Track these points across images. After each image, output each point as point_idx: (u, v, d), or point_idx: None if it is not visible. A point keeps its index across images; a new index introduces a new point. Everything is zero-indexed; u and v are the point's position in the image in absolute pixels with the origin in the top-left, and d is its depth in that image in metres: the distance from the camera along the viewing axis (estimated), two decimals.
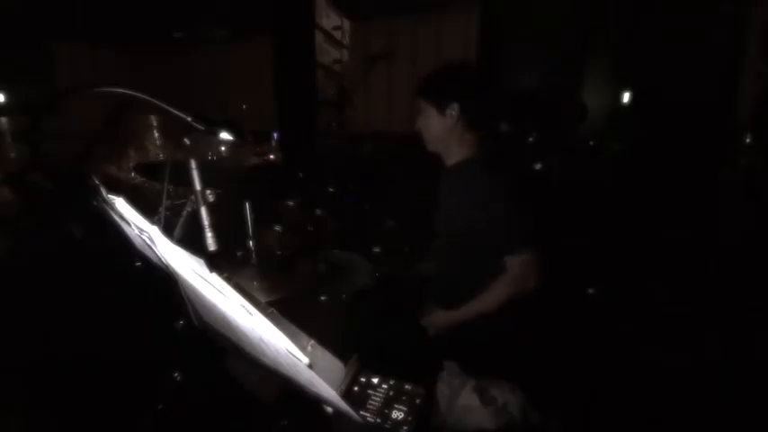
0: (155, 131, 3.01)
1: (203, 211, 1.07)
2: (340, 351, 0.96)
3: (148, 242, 0.72)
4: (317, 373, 0.72)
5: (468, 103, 1.37)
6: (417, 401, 0.92)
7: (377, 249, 2.16)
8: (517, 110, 3.05)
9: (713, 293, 2.24)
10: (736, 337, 1.92)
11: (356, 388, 0.95)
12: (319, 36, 3.47)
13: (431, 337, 1.41)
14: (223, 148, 3.16)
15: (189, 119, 1.03)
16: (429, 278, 1.70)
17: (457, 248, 1.45)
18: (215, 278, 0.91)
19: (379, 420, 0.87)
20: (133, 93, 0.99)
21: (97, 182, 0.91)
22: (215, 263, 0.98)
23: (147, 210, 1.11)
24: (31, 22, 4.10)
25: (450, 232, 1.49)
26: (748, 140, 2.66)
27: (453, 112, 1.37)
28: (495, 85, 3.35)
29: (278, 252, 2.07)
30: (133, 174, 2.77)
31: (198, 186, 1.07)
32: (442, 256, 1.55)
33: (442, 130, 1.41)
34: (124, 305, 1.79)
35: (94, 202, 0.89)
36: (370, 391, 0.94)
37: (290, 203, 2.51)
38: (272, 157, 3.99)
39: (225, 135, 1.08)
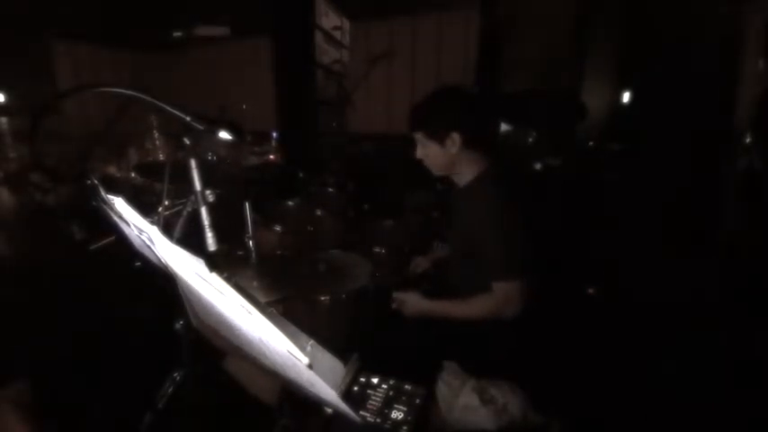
0: (155, 131, 3.01)
1: (203, 211, 1.07)
2: (340, 351, 0.96)
3: (148, 242, 0.72)
4: (316, 374, 0.72)
5: (467, 127, 1.35)
6: (417, 401, 0.92)
7: (377, 249, 2.16)
8: (517, 110, 3.05)
9: (713, 294, 2.23)
10: (738, 337, 1.92)
11: (356, 388, 0.95)
12: (319, 36, 3.47)
13: (393, 311, 1.43)
14: (222, 149, 3.17)
15: (188, 119, 1.03)
16: (427, 277, 1.70)
17: (463, 262, 1.46)
18: (215, 278, 0.91)
19: (378, 420, 0.87)
20: (133, 93, 0.99)
21: (96, 182, 0.91)
22: (215, 263, 0.98)
23: (147, 210, 1.12)
24: (31, 22, 4.10)
25: (458, 246, 1.52)
26: (748, 140, 2.66)
27: (454, 141, 1.35)
28: (495, 85, 3.35)
29: (278, 252, 2.07)
30: (133, 174, 2.77)
31: (198, 186, 1.07)
32: (451, 266, 1.59)
33: (445, 160, 1.39)
34: (124, 305, 1.79)
35: (94, 203, 0.89)
36: (370, 391, 0.94)
37: (290, 203, 2.51)
38: (272, 157, 4.00)
39: (224, 135, 1.08)
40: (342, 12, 3.91)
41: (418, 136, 1.41)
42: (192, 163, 1.06)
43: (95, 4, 4.02)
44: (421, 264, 1.78)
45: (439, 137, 1.36)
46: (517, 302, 1.28)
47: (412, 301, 1.42)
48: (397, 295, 1.45)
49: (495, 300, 1.30)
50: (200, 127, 1.04)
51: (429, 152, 1.40)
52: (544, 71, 3.19)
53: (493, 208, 1.32)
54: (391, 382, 0.97)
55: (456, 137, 1.34)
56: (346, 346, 0.99)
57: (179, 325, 1.03)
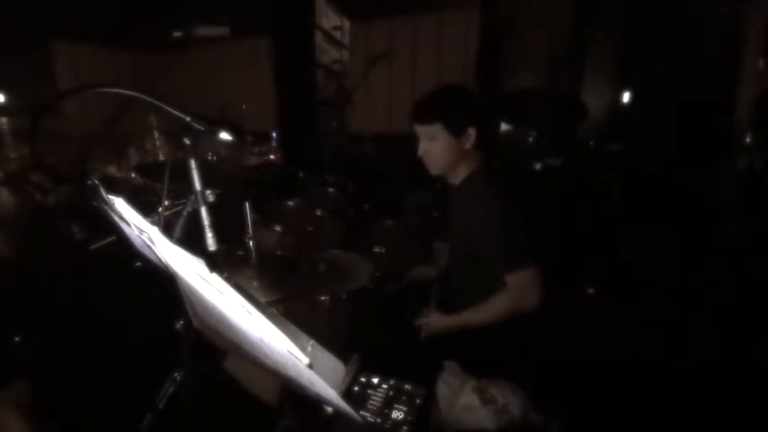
0: (155, 131, 3.01)
1: (203, 211, 1.07)
2: (340, 351, 0.96)
3: (148, 242, 0.72)
4: (317, 373, 0.72)
5: (480, 125, 1.35)
6: (417, 401, 0.92)
7: (377, 249, 2.16)
8: (517, 110, 3.05)
9: (713, 294, 2.23)
10: (738, 338, 1.92)
11: (356, 388, 0.95)
12: (319, 36, 3.47)
13: (423, 339, 1.40)
14: (223, 149, 3.17)
15: (188, 119, 1.03)
16: (428, 280, 1.70)
17: (463, 261, 1.45)
18: (215, 278, 0.91)
19: (379, 420, 0.87)
20: (133, 93, 0.99)
21: (96, 182, 0.91)
22: (215, 263, 0.98)
23: (147, 210, 1.11)
24: (31, 22, 4.10)
25: (458, 246, 1.50)
26: (748, 140, 2.66)
27: (470, 137, 1.34)
28: (495, 85, 3.35)
29: (278, 252, 2.07)
30: (133, 174, 2.77)
31: (198, 186, 1.06)
32: (452, 267, 1.57)
33: (455, 155, 1.37)
34: (124, 305, 1.79)
35: (94, 203, 0.89)
36: (370, 391, 0.95)
37: (290, 203, 2.51)
38: (272, 157, 4.00)
39: (224, 135, 1.08)
40: (342, 12, 3.91)
41: (432, 128, 1.34)
42: (192, 163, 1.06)
43: (95, 4, 4.02)
44: (423, 272, 1.75)
45: (457, 130, 1.33)
46: (536, 292, 1.25)
47: (434, 322, 1.40)
48: (419, 322, 1.43)
49: (510, 294, 1.27)
50: (201, 127, 1.04)
51: (438, 147, 1.35)
52: (544, 71, 3.18)
53: (490, 206, 1.32)
54: (391, 382, 0.97)
55: (472, 133, 1.34)
56: (346, 346, 0.99)
57: (179, 325, 1.02)
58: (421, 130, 1.37)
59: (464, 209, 1.39)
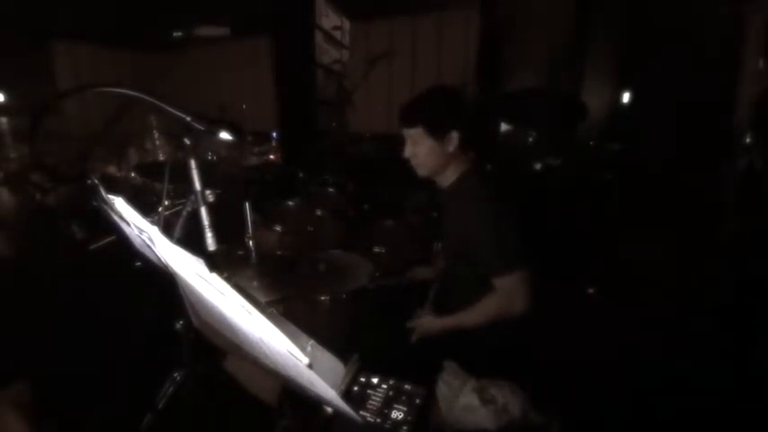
0: (155, 131, 3.01)
1: (203, 211, 1.07)
2: (340, 351, 0.96)
3: (148, 242, 0.72)
4: (316, 374, 0.72)
5: (464, 128, 1.35)
6: (417, 401, 0.92)
7: (377, 249, 2.15)
8: (517, 110, 3.05)
9: (713, 294, 2.23)
10: (738, 338, 1.92)
11: (356, 388, 0.95)
12: (319, 36, 3.47)
13: (414, 342, 1.40)
14: (223, 149, 3.17)
15: (188, 119, 1.03)
16: (426, 281, 1.70)
17: (459, 262, 1.45)
18: (215, 278, 0.91)
19: (379, 420, 0.87)
20: (133, 93, 0.99)
21: (96, 182, 0.91)
22: (215, 263, 0.98)
23: (147, 210, 1.12)
24: (31, 22, 4.10)
25: (453, 247, 1.51)
26: (748, 140, 2.66)
27: (452, 140, 1.34)
28: (495, 85, 3.35)
29: (278, 252, 2.07)
30: (133, 174, 2.77)
31: (198, 186, 1.06)
32: (448, 268, 1.57)
33: (439, 159, 1.37)
34: (124, 305, 1.79)
35: (94, 203, 0.89)
36: (370, 391, 0.95)
37: (290, 203, 2.51)
38: (271, 157, 4.01)
39: (224, 135, 1.08)
40: (342, 12, 3.92)
41: (414, 131, 1.36)
42: (192, 163, 1.06)
43: (95, 4, 4.02)
44: (422, 273, 1.76)
45: (439, 134, 1.34)
46: (524, 296, 1.25)
47: (426, 323, 1.41)
48: (411, 324, 1.44)
49: (498, 297, 1.28)
50: (201, 127, 1.04)
51: (423, 150, 1.37)
52: (544, 71, 3.18)
53: (482, 207, 1.32)
54: (391, 382, 0.97)
55: (455, 136, 1.34)
56: (346, 346, 0.99)
57: (179, 325, 1.02)
58: (406, 132, 1.39)
59: (458, 210, 1.40)
